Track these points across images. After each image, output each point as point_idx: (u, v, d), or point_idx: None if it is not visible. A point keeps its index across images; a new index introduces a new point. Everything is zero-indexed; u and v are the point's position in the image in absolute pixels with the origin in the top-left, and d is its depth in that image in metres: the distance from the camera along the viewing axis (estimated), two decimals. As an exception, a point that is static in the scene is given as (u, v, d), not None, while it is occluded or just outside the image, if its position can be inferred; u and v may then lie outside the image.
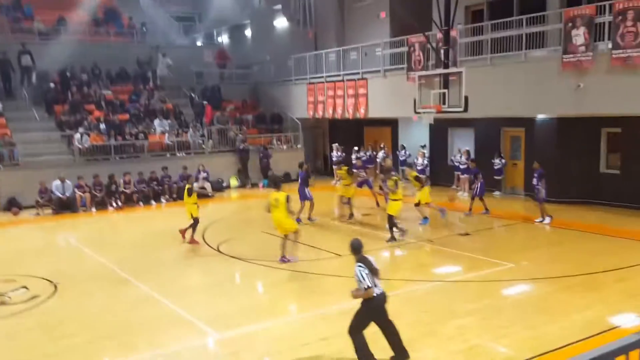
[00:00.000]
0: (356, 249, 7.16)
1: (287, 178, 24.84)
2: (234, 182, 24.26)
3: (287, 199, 11.80)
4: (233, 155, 24.40)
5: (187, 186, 14.48)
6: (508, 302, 9.52)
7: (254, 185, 24.29)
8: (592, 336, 7.79)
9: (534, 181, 15.20)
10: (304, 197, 16.37)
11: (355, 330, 6.98)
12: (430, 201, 15.65)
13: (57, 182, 19.36)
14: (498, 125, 20.29)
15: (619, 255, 11.96)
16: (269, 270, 11.68)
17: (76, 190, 19.56)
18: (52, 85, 24.46)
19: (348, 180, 16.52)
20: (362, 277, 6.78)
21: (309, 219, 16.31)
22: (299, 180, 16.80)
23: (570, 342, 7.60)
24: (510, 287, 10.26)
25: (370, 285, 6.77)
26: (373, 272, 6.93)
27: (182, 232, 14.38)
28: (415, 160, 21.37)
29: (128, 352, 7.80)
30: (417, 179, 15.80)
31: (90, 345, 8.07)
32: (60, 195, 19.24)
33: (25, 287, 10.75)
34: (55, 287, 10.86)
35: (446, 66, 16.29)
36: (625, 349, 3.46)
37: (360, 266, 6.91)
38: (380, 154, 23.09)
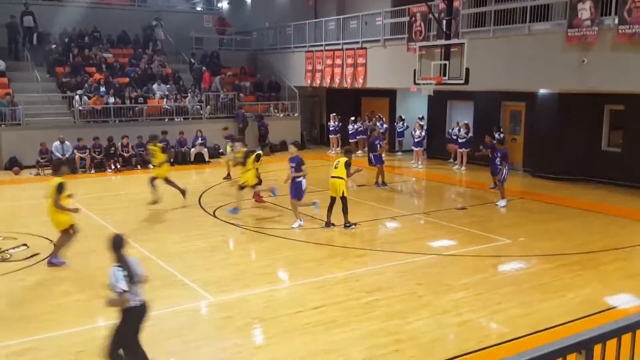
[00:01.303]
0: (116, 246, 5.92)
1: (283, 146, 24.94)
2: (230, 148, 24.20)
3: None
4: (233, 121, 24.32)
5: (260, 152, 14.32)
6: (503, 278, 9.57)
7: (251, 152, 24.18)
8: (588, 315, 7.81)
9: (497, 161, 14.75)
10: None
11: (118, 348, 5.97)
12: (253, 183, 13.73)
13: (57, 143, 19.45)
14: (498, 99, 20.26)
15: (618, 234, 12.06)
16: (263, 237, 11.82)
17: (76, 151, 19.62)
18: (53, 46, 24.31)
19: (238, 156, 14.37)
20: (118, 279, 5.68)
21: (377, 183, 17.10)
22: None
23: (566, 320, 7.63)
24: (506, 263, 10.35)
25: (126, 289, 5.71)
26: (133, 276, 5.84)
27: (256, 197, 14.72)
28: (413, 132, 21.39)
29: (125, 313, 7.92)
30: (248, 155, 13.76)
31: (88, 303, 8.20)
32: (60, 156, 19.27)
33: (25, 244, 10.93)
34: (55, 245, 10.95)
35: (448, 37, 16.15)
36: (620, 331, 3.48)
37: (117, 267, 5.79)
38: (377, 124, 23.02)
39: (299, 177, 12.26)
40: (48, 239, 11.35)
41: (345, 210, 12.17)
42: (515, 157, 20.27)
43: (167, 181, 14.53)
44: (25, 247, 10.85)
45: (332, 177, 12.11)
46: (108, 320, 7.66)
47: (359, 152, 24.20)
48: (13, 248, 10.82)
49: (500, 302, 8.30)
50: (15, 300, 8.40)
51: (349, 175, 12.19)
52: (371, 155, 17.24)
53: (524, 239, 11.63)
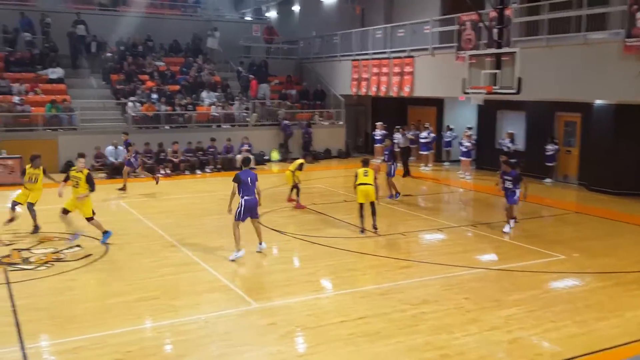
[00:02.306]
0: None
1: (327, 154, 24.99)
2: (275, 155, 24.44)
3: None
4: (276, 129, 24.52)
5: (300, 161, 15.71)
6: (557, 295, 9.19)
7: (295, 159, 24.37)
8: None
9: (508, 184, 12.78)
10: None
11: None
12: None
13: (111, 148, 20.06)
14: (552, 109, 19.66)
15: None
16: (307, 244, 11.80)
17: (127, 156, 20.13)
18: (109, 55, 25.13)
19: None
20: None
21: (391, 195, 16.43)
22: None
23: (623, 342, 7.29)
24: (560, 279, 9.94)
25: None
26: None
27: (290, 200, 15.48)
28: (461, 142, 21.05)
29: (172, 314, 8.06)
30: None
31: (137, 304, 8.37)
32: (113, 161, 19.87)
33: (79, 245, 11.27)
34: (107, 247, 11.28)
35: (499, 46, 15.81)
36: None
37: None
38: (424, 134, 22.76)
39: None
40: (99, 239, 11.65)
41: (374, 213, 12.71)
42: (570, 170, 19.69)
43: (29, 208, 12.57)
44: (79, 248, 11.19)
45: (363, 184, 12.49)
46: (155, 322, 7.83)
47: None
48: (67, 248, 11.17)
49: (554, 320, 7.98)
50: (68, 300, 8.62)
51: (376, 186, 12.76)
52: (392, 166, 16.54)
53: (578, 255, 11.16)
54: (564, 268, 10.47)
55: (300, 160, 15.94)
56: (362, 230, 12.65)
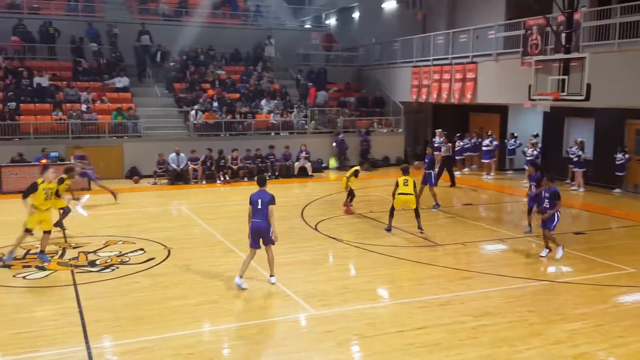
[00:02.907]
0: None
1: (385, 162, 24.79)
2: (332, 163, 24.45)
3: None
4: (332, 138, 24.56)
5: (356, 168, 16.00)
6: (626, 310, 8.78)
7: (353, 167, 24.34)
8: None
9: (545, 203, 11.17)
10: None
11: None
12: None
13: (173, 155, 20.57)
14: (622, 116, 18.80)
15: None
16: (365, 252, 11.68)
17: (189, 163, 20.65)
18: (172, 64, 25.88)
19: None
20: None
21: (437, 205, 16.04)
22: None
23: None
24: (629, 293, 9.47)
25: None
26: None
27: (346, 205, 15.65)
28: (525, 150, 20.40)
29: (229, 318, 8.18)
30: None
31: (197, 308, 8.51)
32: (175, 167, 20.38)
33: (142, 249, 11.60)
34: (169, 251, 11.57)
35: (567, 51, 15.26)
36: None
37: None
38: (487, 141, 22.22)
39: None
40: (162, 244, 11.97)
41: (418, 216, 13.18)
42: (640, 179, 18.83)
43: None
44: (142, 252, 11.51)
45: (403, 193, 12.90)
46: (214, 325, 7.93)
47: (466, 169, 23.51)
48: (131, 252, 11.50)
49: (622, 336, 7.63)
50: (132, 302, 8.85)
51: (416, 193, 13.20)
52: (432, 173, 16.19)
53: (650, 269, 10.62)
54: (634, 282, 9.97)
55: (356, 167, 16.13)
56: (389, 229, 13.21)
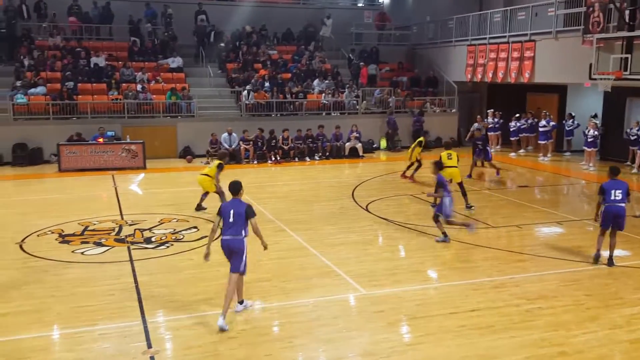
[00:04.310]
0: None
1: (438, 143, 24.41)
2: (383, 144, 24.28)
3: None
4: (384, 118, 24.36)
5: (420, 139, 17.00)
6: (688, 295, 8.45)
7: (405, 148, 24.14)
8: None
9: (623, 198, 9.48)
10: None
11: None
12: None
13: (225, 135, 20.89)
14: (688, 96, 17.93)
15: None
16: (415, 234, 11.61)
17: (241, 142, 20.91)
18: (223, 45, 26.06)
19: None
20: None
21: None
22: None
23: None
24: (692, 278, 9.13)
25: None
26: None
27: (406, 176, 17.01)
28: (586, 131, 19.69)
29: (282, 296, 8.29)
30: None
31: (250, 286, 8.59)
32: (228, 147, 20.65)
33: (195, 227, 11.90)
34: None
35: (631, 29, 14.61)
36: None
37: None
38: (544, 122, 21.55)
39: None
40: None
41: (464, 193, 13.54)
42: None
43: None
44: (195, 230, 11.80)
45: (448, 166, 12.91)
46: (266, 303, 8.06)
47: (522, 151, 22.93)
48: (185, 230, 11.80)
49: (684, 322, 7.37)
50: (186, 278, 9.08)
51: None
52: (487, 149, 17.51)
53: None
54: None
55: (420, 139, 17.00)
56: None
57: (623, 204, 9.41)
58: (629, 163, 19.30)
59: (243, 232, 7.46)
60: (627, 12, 15.00)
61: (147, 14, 25.75)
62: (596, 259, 9.71)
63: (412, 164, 16.86)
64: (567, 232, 11.89)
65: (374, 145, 23.91)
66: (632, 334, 7.05)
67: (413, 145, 16.81)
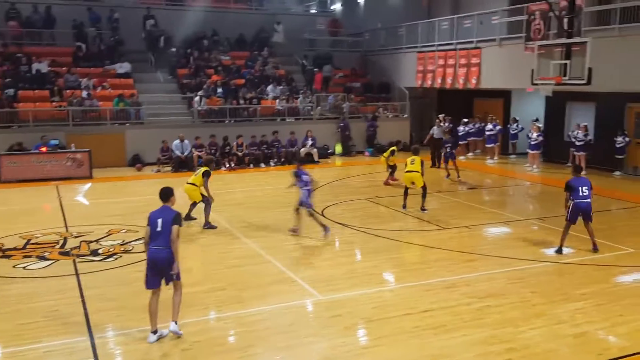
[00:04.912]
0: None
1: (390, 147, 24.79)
2: (339, 149, 24.54)
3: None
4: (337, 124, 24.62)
5: (393, 148, 17.37)
6: (626, 289, 8.96)
7: (359, 153, 24.50)
8: None
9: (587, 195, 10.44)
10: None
11: None
12: None
13: (177, 142, 20.54)
14: (623, 100, 18.93)
15: None
16: (371, 237, 11.82)
17: (194, 149, 20.68)
18: (175, 49, 25.73)
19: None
20: None
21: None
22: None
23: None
24: (629, 273, 9.67)
25: None
26: None
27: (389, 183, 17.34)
28: (529, 134, 20.47)
29: (237, 305, 8.26)
30: None
31: (205, 295, 8.63)
32: (179, 154, 20.39)
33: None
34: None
35: (569, 36, 15.27)
36: None
37: None
38: (490, 126, 22.29)
39: None
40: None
41: (423, 195, 13.88)
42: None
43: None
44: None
45: (409, 171, 13.79)
46: (221, 312, 8.05)
47: (470, 154, 23.57)
48: (135, 240, 11.53)
49: (622, 314, 7.83)
50: (136, 290, 8.59)
51: (422, 172, 13.82)
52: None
53: (650, 249, 10.80)
54: (634, 261, 10.17)
55: (392, 148, 17.51)
56: (404, 207, 13.99)
57: (590, 200, 10.31)
58: (569, 164, 20.13)
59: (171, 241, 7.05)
60: (565, 20, 15.66)
61: (90, 18, 25.08)
62: (559, 252, 10.46)
63: (389, 169, 17.41)
64: (513, 232, 12.34)
65: (329, 151, 24.12)
66: (576, 329, 7.40)
67: (386, 154, 17.37)
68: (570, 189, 10.31)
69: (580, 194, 10.24)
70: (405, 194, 14.16)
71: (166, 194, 7.39)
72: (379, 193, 16.20)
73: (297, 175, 11.63)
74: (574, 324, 7.56)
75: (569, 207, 10.40)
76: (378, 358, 6.70)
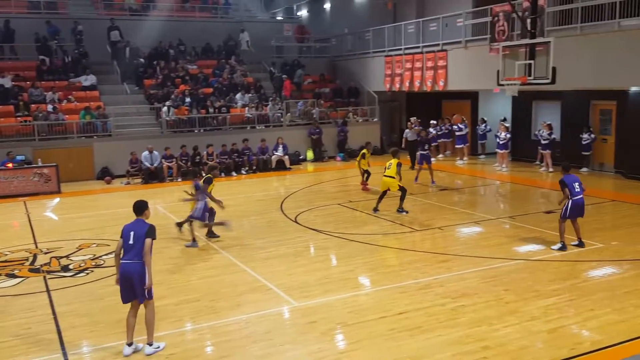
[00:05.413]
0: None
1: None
2: (310, 155, 24.55)
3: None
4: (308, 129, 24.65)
5: (363, 151, 17.38)
6: (596, 284, 9.12)
7: (331, 158, 24.55)
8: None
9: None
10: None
11: None
12: None
13: (146, 153, 20.33)
14: (587, 98, 19.35)
15: None
16: (345, 242, 11.83)
17: (163, 160, 20.48)
18: (141, 60, 25.49)
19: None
20: None
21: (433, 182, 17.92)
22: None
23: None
24: (599, 268, 9.86)
25: None
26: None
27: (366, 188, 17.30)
28: (497, 134, 20.79)
29: (213, 315, 8.18)
30: None
31: (179, 307, 8.52)
32: (149, 166, 20.15)
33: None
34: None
35: (533, 36, 15.57)
36: None
37: None
38: (461, 126, 22.60)
39: None
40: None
41: (402, 198, 13.97)
42: (606, 158, 19.44)
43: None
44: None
45: (385, 176, 13.79)
46: (196, 324, 7.97)
47: (440, 155, 23.82)
48: (106, 254, 11.35)
49: (593, 309, 7.97)
50: (109, 305, 8.61)
51: (399, 175, 13.72)
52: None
53: (616, 243, 11.08)
54: (603, 256, 10.38)
55: (363, 151, 17.51)
56: (376, 210, 14.06)
57: (582, 195, 10.68)
58: (537, 163, 20.58)
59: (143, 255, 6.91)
60: (528, 20, 15.96)
61: (49, 31, 24.66)
62: (563, 248, 10.66)
63: (364, 174, 17.40)
64: (485, 231, 12.48)
65: (300, 157, 24.11)
66: (549, 324, 7.51)
67: (358, 158, 17.49)
68: (566, 185, 10.57)
69: (574, 191, 10.56)
70: (380, 197, 14.16)
71: (140, 207, 7.27)
72: (352, 197, 16.25)
73: (197, 187, 11.83)
74: (546, 319, 7.67)
75: (565, 205, 10.64)
76: (355, 362, 6.69)
